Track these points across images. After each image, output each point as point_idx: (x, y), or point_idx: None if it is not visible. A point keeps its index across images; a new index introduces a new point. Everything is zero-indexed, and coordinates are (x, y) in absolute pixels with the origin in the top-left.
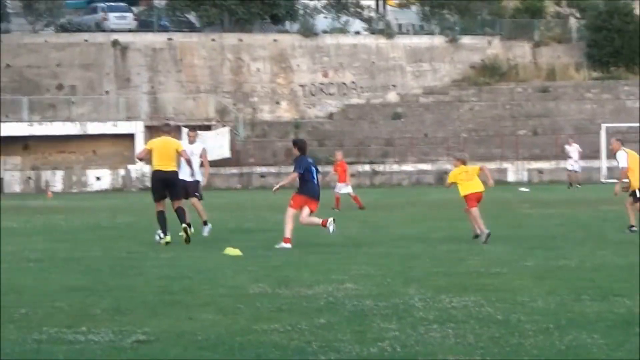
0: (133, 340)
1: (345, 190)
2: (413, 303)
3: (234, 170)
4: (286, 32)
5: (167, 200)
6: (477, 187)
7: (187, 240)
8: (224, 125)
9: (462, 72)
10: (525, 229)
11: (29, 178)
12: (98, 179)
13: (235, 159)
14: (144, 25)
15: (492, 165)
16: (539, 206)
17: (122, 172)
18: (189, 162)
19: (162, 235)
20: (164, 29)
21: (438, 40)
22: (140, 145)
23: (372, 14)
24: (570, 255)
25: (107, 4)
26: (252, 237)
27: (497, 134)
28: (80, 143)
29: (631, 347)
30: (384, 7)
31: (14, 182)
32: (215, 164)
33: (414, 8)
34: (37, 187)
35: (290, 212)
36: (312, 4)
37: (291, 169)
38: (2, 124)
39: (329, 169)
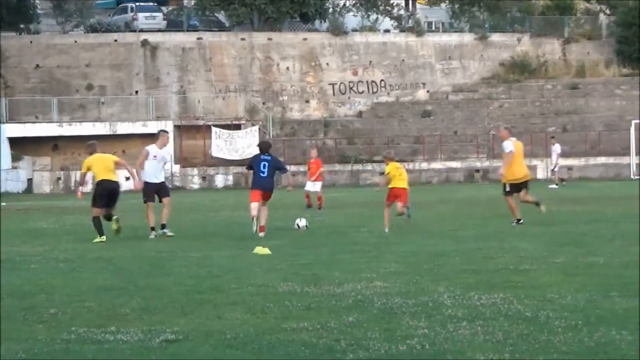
0: (162, 339)
1: (313, 188)
2: (442, 301)
3: None
4: (316, 30)
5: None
6: (402, 183)
7: (118, 230)
8: (254, 124)
9: (491, 70)
10: (555, 225)
11: (59, 179)
12: (127, 179)
13: None
14: (173, 25)
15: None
16: (568, 203)
17: None
18: (126, 167)
19: (100, 236)
20: (194, 29)
21: (467, 38)
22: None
23: (402, 12)
24: (600, 252)
25: (136, 4)
26: (281, 235)
27: (526, 131)
28: (109, 143)
29: None
30: (414, 5)
31: (44, 183)
32: (244, 163)
33: (443, 6)
34: (66, 188)
35: (252, 205)
36: (341, 2)
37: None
38: (32, 124)
39: (359, 167)
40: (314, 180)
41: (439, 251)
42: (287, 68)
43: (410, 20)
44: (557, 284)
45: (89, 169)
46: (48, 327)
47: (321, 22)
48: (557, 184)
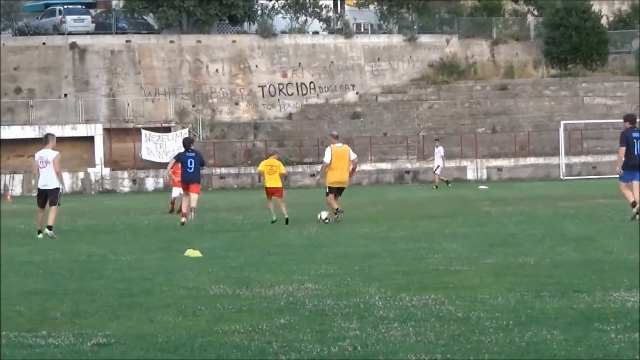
0: (93, 343)
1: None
2: (373, 302)
3: None
4: (244, 33)
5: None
6: (274, 182)
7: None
8: (183, 127)
9: (420, 71)
10: (485, 226)
11: None
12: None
13: None
14: (102, 28)
15: (451, 164)
16: (498, 204)
17: (81, 175)
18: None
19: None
20: (122, 31)
21: (396, 40)
22: (99, 148)
23: (331, 14)
24: (530, 252)
25: (64, 6)
26: (212, 238)
27: (456, 132)
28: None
29: (591, 343)
30: (342, 7)
31: None
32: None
33: (372, 7)
34: None
35: (184, 196)
36: (270, 4)
37: (249, 169)
38: None
39: (289, 169)
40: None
41: (370, 252)
42: (217, 70)
43: (339, 22)
44: (488, 284)
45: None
46: None
47: (250, 24)
48: (436, 186)
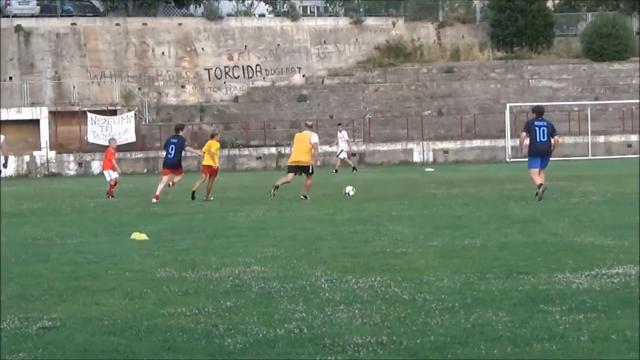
0: (39, 326)
1: (108, 177)
2: (319, 284)
3: (140, 154)
4: (191, 15)
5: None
6: (208, 161)
7: None
8: (129, 110)
9: (366, 54)
10: (431, 209)
11: None
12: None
13: (140, 143)
14: (47, 10)
15: (397, 146)
16: (444, 186)
17: (26, 158)
18: None
19: None
20: (68, 14)
21: (342, 22)
22: (45, 131)
23: None
24: (476, 234)
25: None
26: (158, 221)
27: (402, 115)
28: None
29: (535, 324)
30: None
31: None
32: (120, 148)
33: None
34: None
35: (163, 178)
36: None
37: (197, 151)
38: None
39: (236, 152)
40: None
41: (316, 235)
42: (163, 53)
43: (285, 5)
44: (433, 266)
45: None
46: None
47: (196, 7)
48: (336, 170)
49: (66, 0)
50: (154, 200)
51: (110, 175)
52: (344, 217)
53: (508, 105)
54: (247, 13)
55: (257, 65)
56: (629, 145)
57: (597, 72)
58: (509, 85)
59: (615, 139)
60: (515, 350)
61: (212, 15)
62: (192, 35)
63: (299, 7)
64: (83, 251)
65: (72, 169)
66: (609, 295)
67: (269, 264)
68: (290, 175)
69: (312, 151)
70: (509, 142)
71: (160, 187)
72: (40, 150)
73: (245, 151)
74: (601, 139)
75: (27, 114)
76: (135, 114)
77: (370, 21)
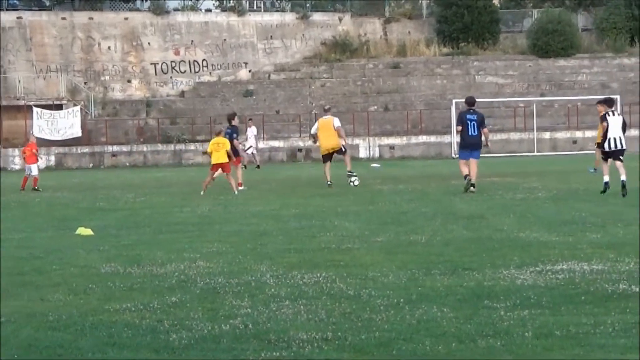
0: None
1: (35, 171)
2: (265, 280)
3: (86, 149)
4: (137, 10)
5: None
6: (220, 158)
7: None
8: (75, 105)
9: (313, 49)
10: (377, 204)
11: None
12: None
13: (86, 138)
14: None
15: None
16: (390, 182)
17: None
18: None
19: None
20: (13, 8)
21: (289, 17)
22: None
23: None
24: (421, 230)
25: None
26: (104, 216)
27: (348, 110)
28: None
29: (480, 320)
30: None
31: None
32: (66, 143)
33: None
34: None
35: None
36: None
37: (141, 147)
38: None
39: (182, 147)
40: (34, 164)
41: (262, 230)
42: (109, 48)
43: (231, 0)
44: (379, 262)
45: None
46: None
47: (142, 1)
48: (245, 166)
49: None
50: (240, 188)
51: (32, 170)
52: (289, 212)
53: (454, 101)
54: (194, 8)
55: (204, 60)
56: (574, 142)
57: (543, 69)
58: (455, 81)
59: (561, 135)
60: (460, 346)
61: (159, 10)
62: (139, 29)
63: (246, 2)
64: (27, 246)
65: (17, 163)
66: (553, 291)
67: (215, 260)
68: (328, 164)
69: (340, 134)
70: (454, 138)
71: (231, 182)
72: None
73: (192, 146)
74: (547, 135)
75: None
76: (81, 109)
77: (316, 16)
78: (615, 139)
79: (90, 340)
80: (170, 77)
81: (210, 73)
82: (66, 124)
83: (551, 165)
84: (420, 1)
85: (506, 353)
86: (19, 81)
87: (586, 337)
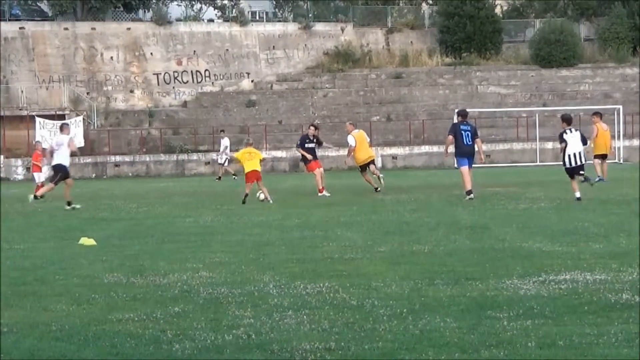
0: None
1: (38, 179)
2: (268, 290)
3: (88, 159)
4: (139, 20)
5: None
6: (254, 166)
7: None
8: (78, 115)
9: (315, 59)
10: (380, 214)
11: None
12: None
13: (89, 148)
14: None
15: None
16: (392, 192)
17: None
18: None
19: None
20: (16, 18)
21: (291, 28)
22: None
23: (226, 2)
24: (424, 240)
25: None
26: (106, 226)
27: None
28: None
29: (483, 330)
30: None
31: None
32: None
33: None
34: None
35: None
36: None
37: (144, 157)
38: None
39: (184, 157)
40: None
41: (265, 240)
42: (111, 58)
43: (233, 10)
44: (382, 272)
45: None
46: None
47: (145, 11)
48: (219, 178)
49: (14, 4)
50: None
51: (40, 177)
52: (292, 222)
53: (456, 111)
54: (196, 18)
55: (206, 70)
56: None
57: (545, 79)
58: (457, 91)
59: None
60: (463, 356)
61: (161, 20)
62: (141, 40)
63: (248, 12)
64: (30, 256)
65: (20, 173)
66: (556, 301)
67: (218, 270)
68: (366, 174)
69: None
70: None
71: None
72: None
73: (194, 156)
74: (549, 145)
75: None
76: (83, 119)
77: (319, 27)
78: (575, 155)
79: (93, 351)
80: (173, 87)
81: (212, 83)
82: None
83: (554, 175)
84: (422, 11)
85: None
86: (22, 91)
87: (589, 347)
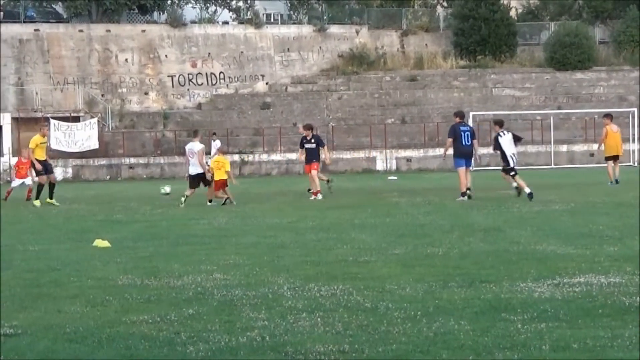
0: (0, 334)
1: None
2: (282, 292)
3: (103, 161)
4: (154, 22)
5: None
6: (222, 175)
7: None
8: (92, 117)
9: (330, 62)
10: (394, 217)
11: None
12: None
13: (103, 150)
14: (10, 16)
15: (360, 154)
16: (407, 194)
17: None
18: None
19: None
20: (31, 20)
21: (306, 30)
22: (7, 138)
23: (240, 4)
24: (438, 242)
25: None
26: (121, 228)
27: (365, 123)
28: None
29: (497, 333)
30: None
31: None
32: (83, 155)
33: None
34: None
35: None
36: None
37: (158, 159)
38: None
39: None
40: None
41: (279, 243)
42: (126, 60)
43: (248, 12)
44: (396, 275)
45: None
46: None
47: (159, 13)
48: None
49: (29, 6)
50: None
51: (26, 182)
52: (306, 224)
53: (471, 113)
54: (211, 20)
55: (221, 72)
56: (592, 155)
57: (560, 81)
58: (472, 94)
59: (578, 148)
60: (477, 358)
61: (176, 22)
62: (156, 42)
63: (263, 14)
64: (45, 258)
65: (33, 175)
66: (570, 304)
67: (232, 272)
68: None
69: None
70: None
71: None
72: (2, 156)
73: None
74: (564, 148)
75: None
76: (98, 121)
77: (333, 29)
78: (513, 155)
79: (107, 352)
80: (188, 90)
81: (227, 85)
82: (83, 136)
83: (568, 178)
84: (437, 14)
85: None
86: (37, 93)
87: (603, 351)
